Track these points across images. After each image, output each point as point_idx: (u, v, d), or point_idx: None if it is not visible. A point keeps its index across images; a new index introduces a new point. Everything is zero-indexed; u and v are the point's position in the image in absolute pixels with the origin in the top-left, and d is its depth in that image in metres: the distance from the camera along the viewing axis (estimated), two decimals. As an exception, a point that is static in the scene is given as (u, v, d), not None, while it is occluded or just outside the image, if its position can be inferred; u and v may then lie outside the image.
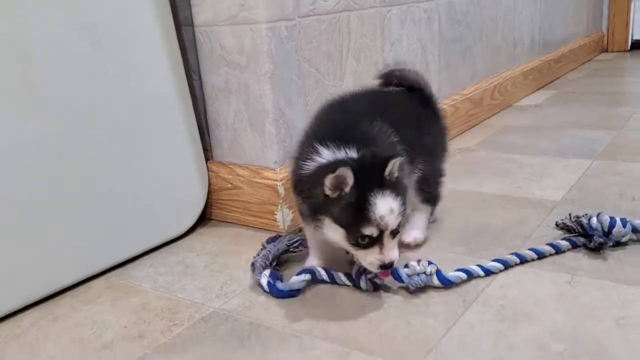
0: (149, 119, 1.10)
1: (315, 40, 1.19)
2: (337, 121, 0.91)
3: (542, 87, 2.45)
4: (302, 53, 1.16)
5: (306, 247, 0.98)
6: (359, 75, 1.33)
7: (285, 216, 1.14)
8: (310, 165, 0.83)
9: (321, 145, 0.83)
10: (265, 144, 1.14)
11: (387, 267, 0.81)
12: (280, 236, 1.03)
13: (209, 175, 1.22)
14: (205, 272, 1.01)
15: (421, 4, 1.56)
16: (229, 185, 1.20)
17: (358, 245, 0.80)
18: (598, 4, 3.27)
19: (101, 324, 0.87)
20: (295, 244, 1.01)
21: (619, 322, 0.76)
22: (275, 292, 0.90)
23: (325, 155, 0.83)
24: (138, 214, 1.08)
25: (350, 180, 0.77)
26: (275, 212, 1.14)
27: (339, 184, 0.78)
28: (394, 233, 0.81)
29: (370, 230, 0.78)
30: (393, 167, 0.79)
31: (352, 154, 0.81)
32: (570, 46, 2.81)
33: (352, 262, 0.93)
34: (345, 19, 1.27)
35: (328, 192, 0.78)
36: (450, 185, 1.33)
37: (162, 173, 1.12)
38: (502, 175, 1.37)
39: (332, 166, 0.78)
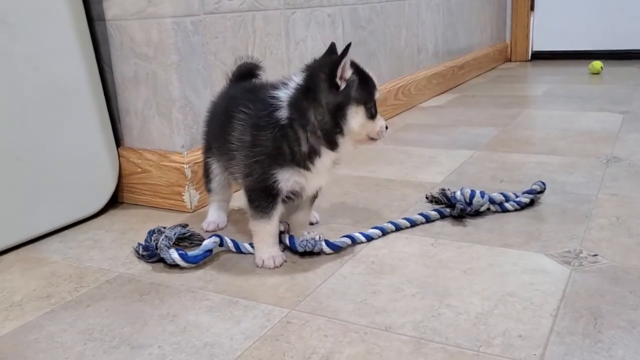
0: (60, 104, 1.17)
1: (220, 36, 1.30)
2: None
3: (446, 91, 2.65)
4: (208, 47, 1.27)
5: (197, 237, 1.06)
6: (265, 71, 1.44)
7: (192, 197, 1.24)
8: (282, 104, 0.94)
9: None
10: (173, 130, 1.24)
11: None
12: (160, 228, 1.06)
13: (119, 160, 1.30)
14: (113, 245, 1.09)
15: (325, 9, 1.70)
16: (139, 170, 1.29)
17: (372, 116, 0.96)
18: (502, 16, 3.54)
19: (10, 288, 0.94)
20: (186, 233, 1.06)
21: (466, 271, 0.91)
22: (190, 260, 0.96)
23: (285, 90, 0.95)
24: (48, 193, 1.15)
25: (349, 64, 0.93)
26: (183, 193, 1.24)
27: (343, 73, 0.92)
28: None
29: (376, 95, 0.98)
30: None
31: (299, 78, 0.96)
32: (474, 54, 3.04)
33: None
34: (250, 18, 1.39)
35: (339, 82, 0.92)
36: (348, 172, 1.47)
37: (73, 156, 1.20)
38: (395, 164, 1.52)
39: (325, 61, 0.95)
